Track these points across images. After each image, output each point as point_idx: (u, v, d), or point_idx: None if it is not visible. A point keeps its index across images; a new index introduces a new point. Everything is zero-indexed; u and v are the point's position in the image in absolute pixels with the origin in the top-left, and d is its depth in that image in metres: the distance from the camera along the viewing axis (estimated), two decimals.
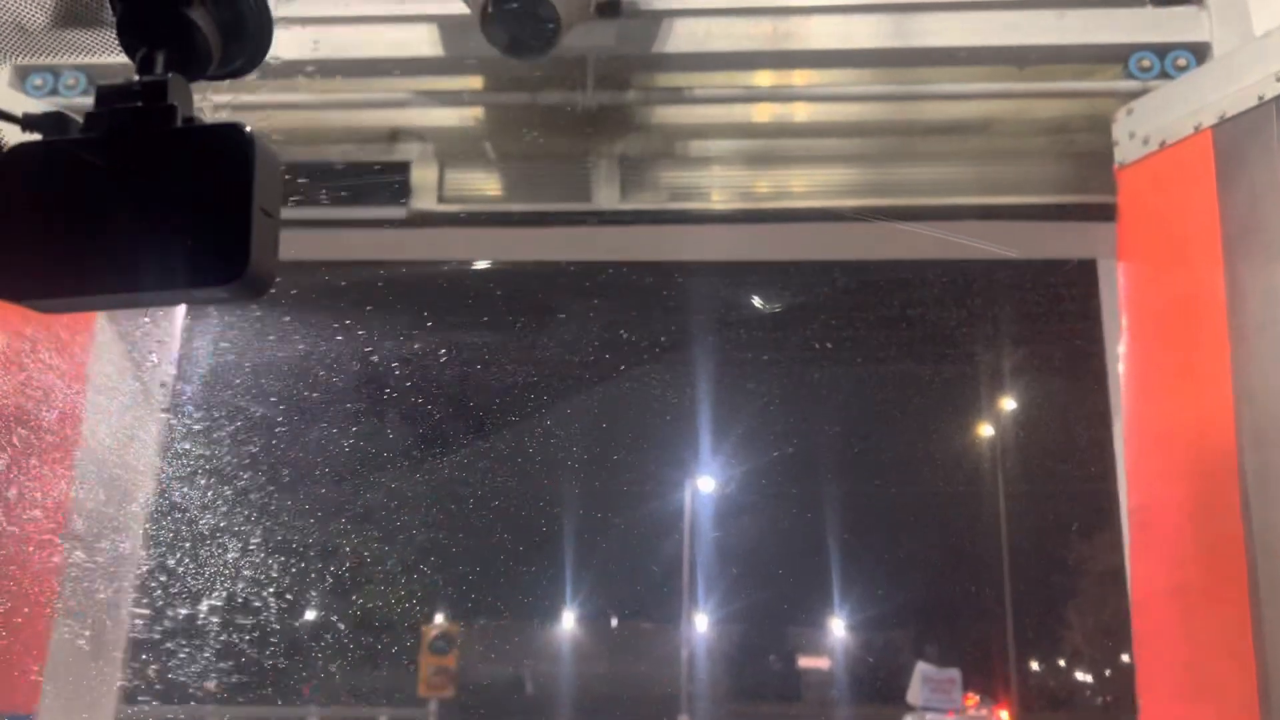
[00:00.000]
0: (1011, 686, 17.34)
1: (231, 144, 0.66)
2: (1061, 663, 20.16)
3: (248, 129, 0.68)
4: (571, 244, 2.73)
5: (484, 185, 2.67)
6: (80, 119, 0.73)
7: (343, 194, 2.54)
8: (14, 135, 0.75)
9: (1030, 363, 15.26)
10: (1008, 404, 17.49)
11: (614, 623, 26.70)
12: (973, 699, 17.66)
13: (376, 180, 2.56)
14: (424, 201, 2.60)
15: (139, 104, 0.71)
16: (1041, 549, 18.21)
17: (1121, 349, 2.31)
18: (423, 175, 2.61)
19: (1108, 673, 18.44)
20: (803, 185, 2.64)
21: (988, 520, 17.74)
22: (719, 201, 2.63)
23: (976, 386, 17.25)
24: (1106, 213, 2.45)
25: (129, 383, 2.58)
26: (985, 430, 19.02)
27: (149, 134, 0.69)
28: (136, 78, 0.73)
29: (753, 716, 24.02)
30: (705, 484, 20.86)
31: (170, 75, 0.72)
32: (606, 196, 2.57)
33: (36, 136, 0.72)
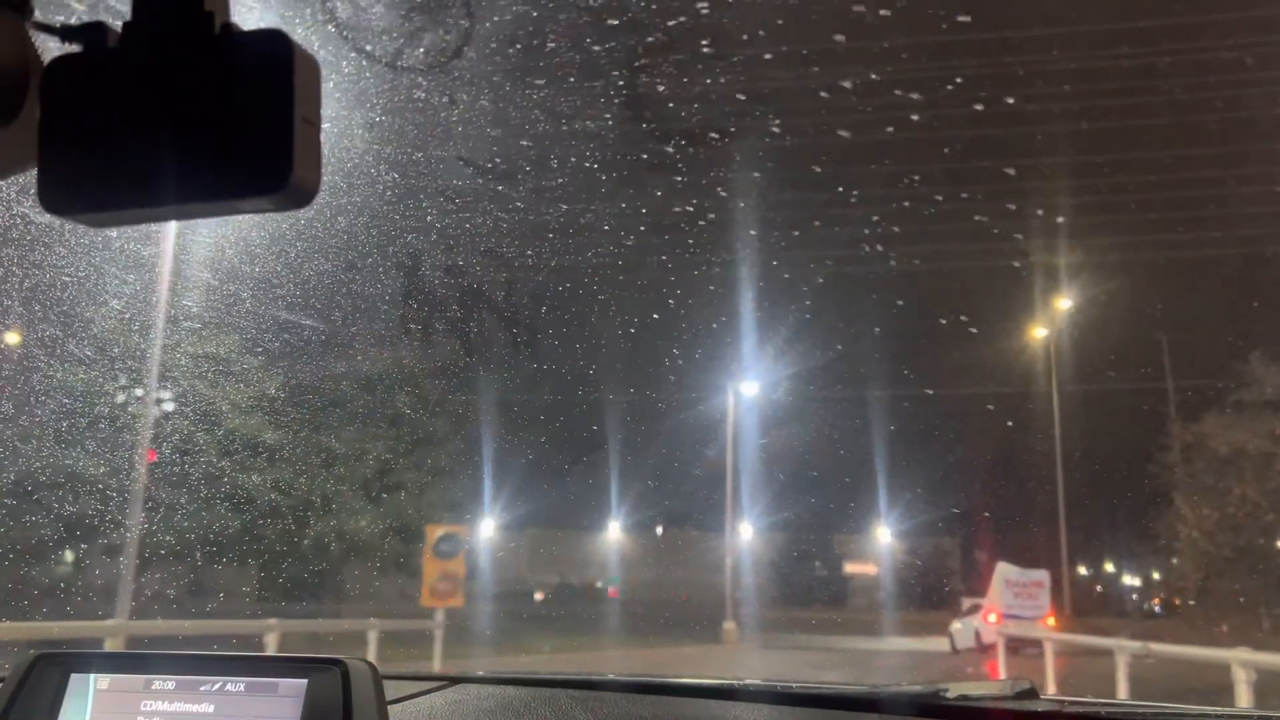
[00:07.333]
0: None
1: (271, 51, 0.67)
2: None
3: (287, 35, 0.67)
4: None
5: None
6: (119, 28, 0.73)
7: None
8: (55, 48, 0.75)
9: None
10: None
11: (659, 530, 26.71)
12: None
13: None
14: None
15: (177, 11, 0.71)
16: None
17: None
18: None
19: None
20: None
21: None
22: None
23: None
24: None
25: None
26: None
27: (188, 43, 0.69)
28: None
29: (798, 622, 24.15)
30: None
31: None
32: None
33: (76, 48, 0.72)
